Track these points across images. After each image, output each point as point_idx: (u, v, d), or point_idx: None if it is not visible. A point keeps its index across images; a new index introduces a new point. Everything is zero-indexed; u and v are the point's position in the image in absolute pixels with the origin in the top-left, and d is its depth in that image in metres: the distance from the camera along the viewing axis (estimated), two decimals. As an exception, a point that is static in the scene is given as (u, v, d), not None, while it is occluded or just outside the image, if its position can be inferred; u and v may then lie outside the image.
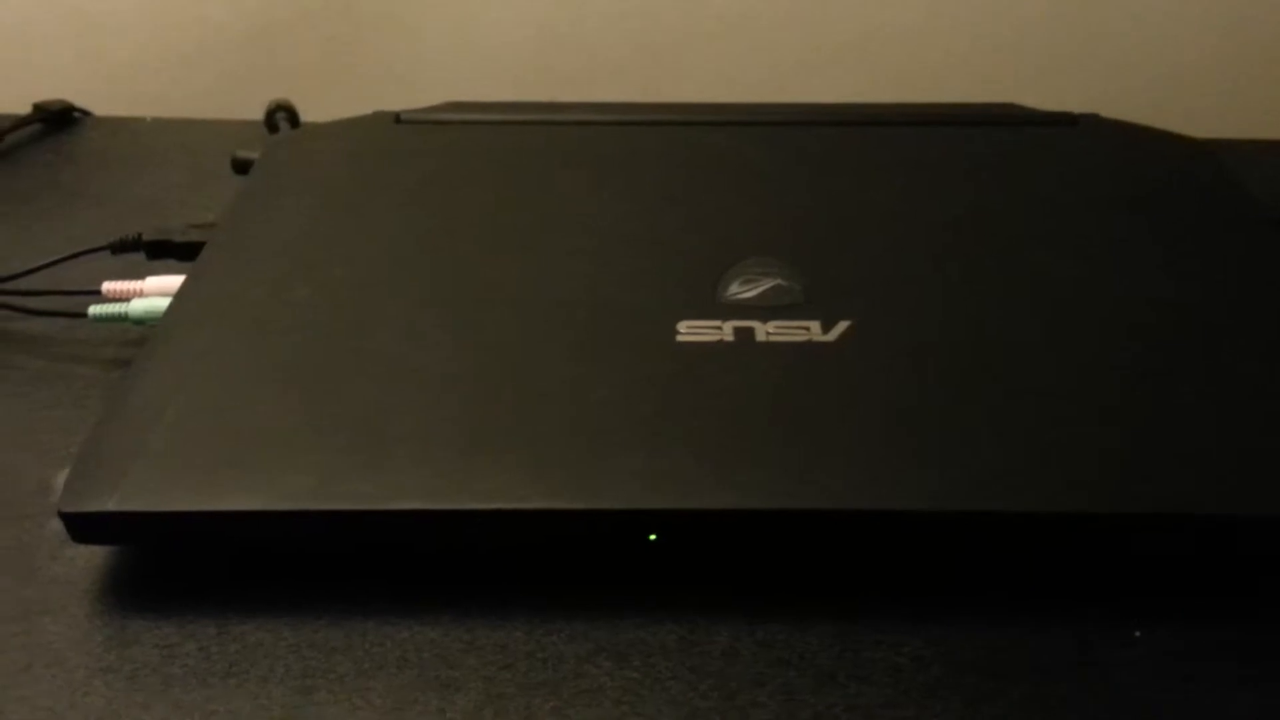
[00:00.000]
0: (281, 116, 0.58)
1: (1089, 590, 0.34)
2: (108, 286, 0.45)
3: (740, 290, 0.41)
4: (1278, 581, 0.35)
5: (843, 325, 0.39)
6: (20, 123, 0.63)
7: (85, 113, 0.66)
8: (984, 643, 0.33)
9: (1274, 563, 0.35)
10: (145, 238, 0.47)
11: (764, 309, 0.40)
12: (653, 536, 0.34)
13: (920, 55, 0.68)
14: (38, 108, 0.64)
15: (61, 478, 0.34)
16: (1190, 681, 0.32)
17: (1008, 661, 0.32)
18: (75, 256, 0.47)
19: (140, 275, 0.45)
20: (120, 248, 0.47)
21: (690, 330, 0.39)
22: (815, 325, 0.39)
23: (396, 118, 0.52)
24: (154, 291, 0.45)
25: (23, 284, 0.47)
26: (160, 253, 0.47)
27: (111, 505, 0.33)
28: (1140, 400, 0.37)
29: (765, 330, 0.39)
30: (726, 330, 0.39)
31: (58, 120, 0.64)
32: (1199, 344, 0.39)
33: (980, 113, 0.53)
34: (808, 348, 0.38)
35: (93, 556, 0.36)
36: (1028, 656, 0.33)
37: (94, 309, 0.45)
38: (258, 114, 0.59)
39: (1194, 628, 0.33)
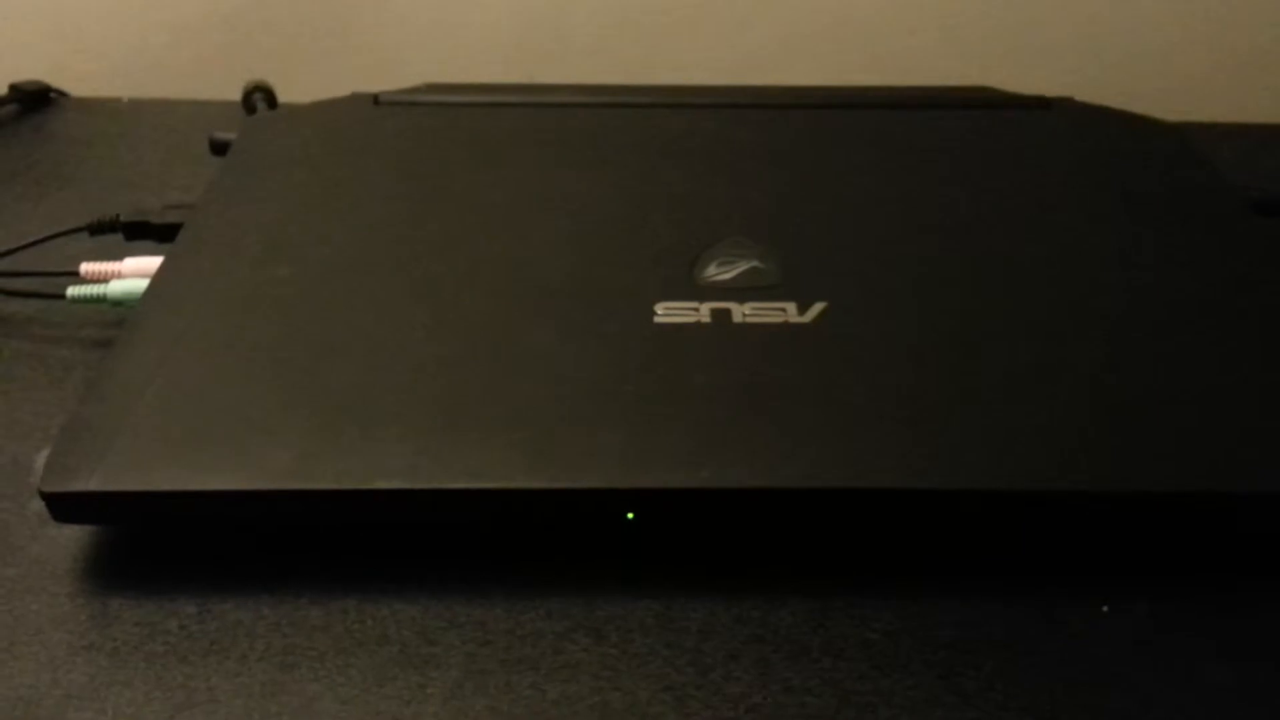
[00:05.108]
0: (259, 97, 0.58)
1: (1060, 565, 0.35)
2: (86, 268, 0.45)
3: (717, 272, 0.41)
4: (1252, 556, 0.35)
5: (818, 307, 0.39)
6: (-4, 103, 0.63)
7: (62, 93, 0.65)
8: (955, 618, 0.33)
9: (1250, 538, 0.35)
10: (123, 219, 0.47)
11: (740, 291, 0.40)
12: (631, 515, 0.34)
13: (895, 38, 0.69)
14: (14, 88, 0.63)
15: (42, 458, 0.34)
16: (1162, 653, 0.32)
17: (979, 636, 0.33)
18: (53, 238, 0.47)
19: (118, 256, 0.45)
20: (98, 229, 0.47)
21: (668, 311, 0.39)
22: (791, 307, 0.39)
23: (375, 99, 0.52)
24: (132, 273, 0.44)
25: (0, 265, 0.47)
26: (138, 234, 0.47)
27: (92, 485, 0.33)
28: (1114, 381, 0.37)
29: (742, 312, 0.39)
30: (704, 312, 0.39)
31: (34, 101, 0.64)
32: (1171, 325, 0.39)
33: (955, 96, 0.54)
34: (784, 329, 0.38)
35: (74, 536, 0.36)
36: (999, 631, 0.33)
37: (72, 290, 0.45)
38: (235, 95, 0.58)
39: (1167, 601, 0.34)
